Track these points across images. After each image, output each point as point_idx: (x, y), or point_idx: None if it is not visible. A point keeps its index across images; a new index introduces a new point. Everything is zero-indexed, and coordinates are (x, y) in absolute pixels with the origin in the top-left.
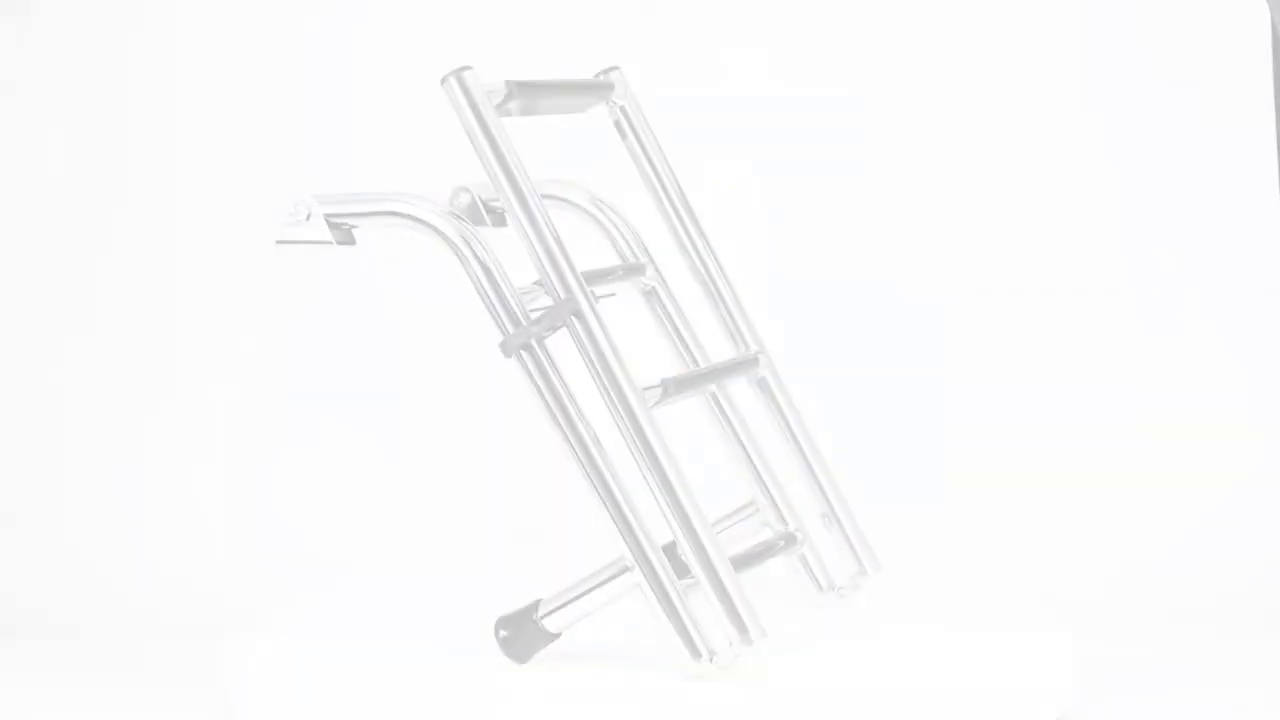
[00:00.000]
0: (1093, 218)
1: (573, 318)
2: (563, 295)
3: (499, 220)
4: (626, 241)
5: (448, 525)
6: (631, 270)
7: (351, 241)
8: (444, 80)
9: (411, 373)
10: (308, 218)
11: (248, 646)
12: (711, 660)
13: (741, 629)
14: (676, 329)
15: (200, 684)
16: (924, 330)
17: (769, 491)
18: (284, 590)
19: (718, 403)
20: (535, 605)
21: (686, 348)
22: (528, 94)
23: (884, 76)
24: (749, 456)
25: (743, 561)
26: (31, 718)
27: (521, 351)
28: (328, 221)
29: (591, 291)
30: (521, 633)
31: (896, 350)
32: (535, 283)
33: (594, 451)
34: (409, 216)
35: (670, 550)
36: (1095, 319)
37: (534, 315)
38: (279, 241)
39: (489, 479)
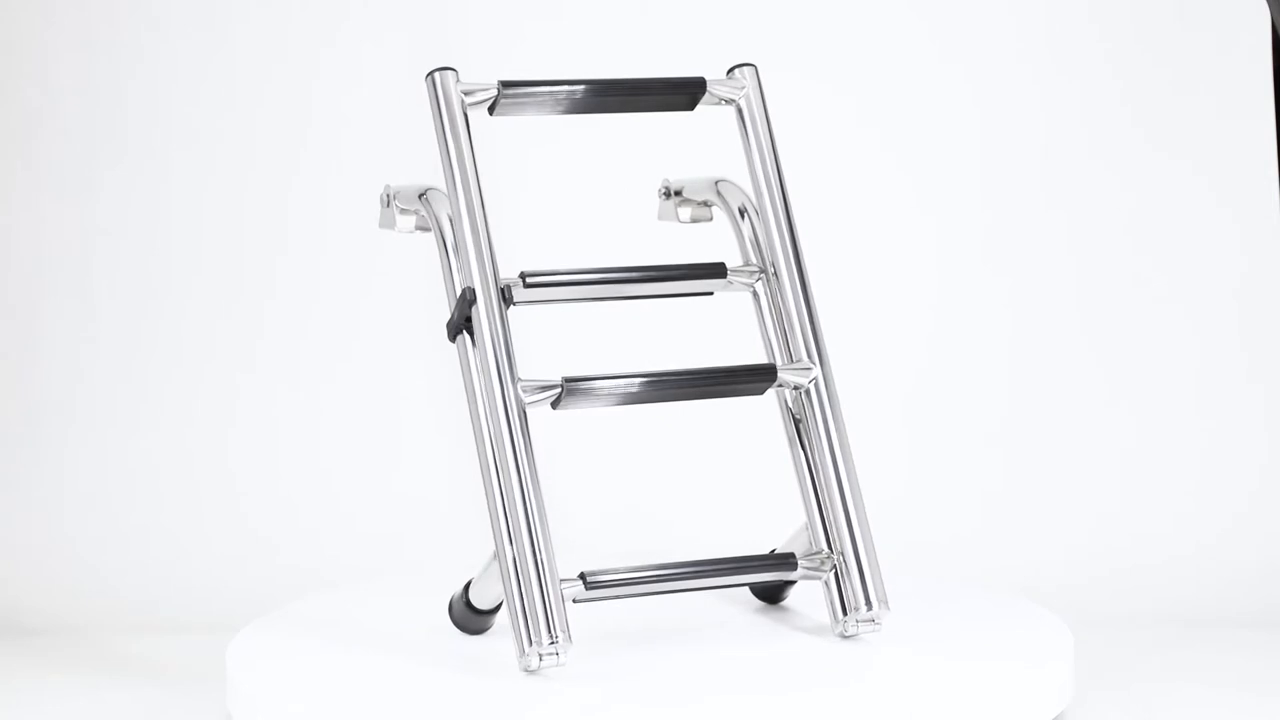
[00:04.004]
0: (1092, 219)
1: (472, 308)
2: (473, 286)
3: (697, 214)
4: (751, 244)
5: (450, 525)
6: (739, 272)
7: (427, 228)
8: (427, 77)
9: (414, 373)
10: (388, 204)
11: (248, 647)
12: (525, 654)
13: (551, 633)
14: (770, 334)
15: (200, 684)
16: (922, 328)
17: (817, 508)
18: (284, 590)
19: (788, 413)
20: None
21: (776, 355)
22: (518, 94)
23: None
24: (797, 470)
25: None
26: (32, 718)
27: (463, 336)
28: (399, 209)
29: (506, 288)
30: (458, 607)
31: (894, 349)
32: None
33: (489, 440)
34: (415, 209)
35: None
36: (1094, 320)
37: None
38: (380, 227)
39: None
